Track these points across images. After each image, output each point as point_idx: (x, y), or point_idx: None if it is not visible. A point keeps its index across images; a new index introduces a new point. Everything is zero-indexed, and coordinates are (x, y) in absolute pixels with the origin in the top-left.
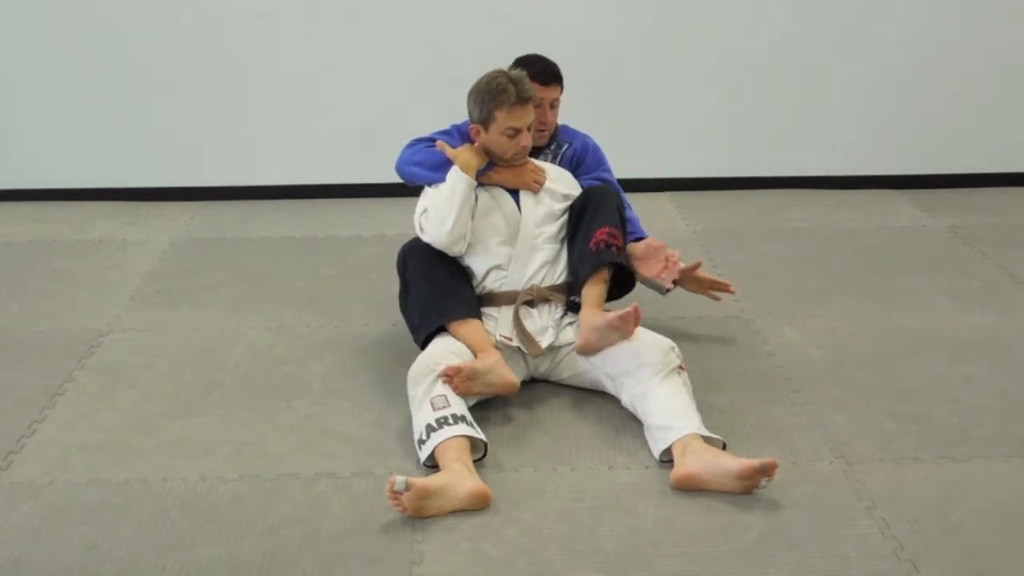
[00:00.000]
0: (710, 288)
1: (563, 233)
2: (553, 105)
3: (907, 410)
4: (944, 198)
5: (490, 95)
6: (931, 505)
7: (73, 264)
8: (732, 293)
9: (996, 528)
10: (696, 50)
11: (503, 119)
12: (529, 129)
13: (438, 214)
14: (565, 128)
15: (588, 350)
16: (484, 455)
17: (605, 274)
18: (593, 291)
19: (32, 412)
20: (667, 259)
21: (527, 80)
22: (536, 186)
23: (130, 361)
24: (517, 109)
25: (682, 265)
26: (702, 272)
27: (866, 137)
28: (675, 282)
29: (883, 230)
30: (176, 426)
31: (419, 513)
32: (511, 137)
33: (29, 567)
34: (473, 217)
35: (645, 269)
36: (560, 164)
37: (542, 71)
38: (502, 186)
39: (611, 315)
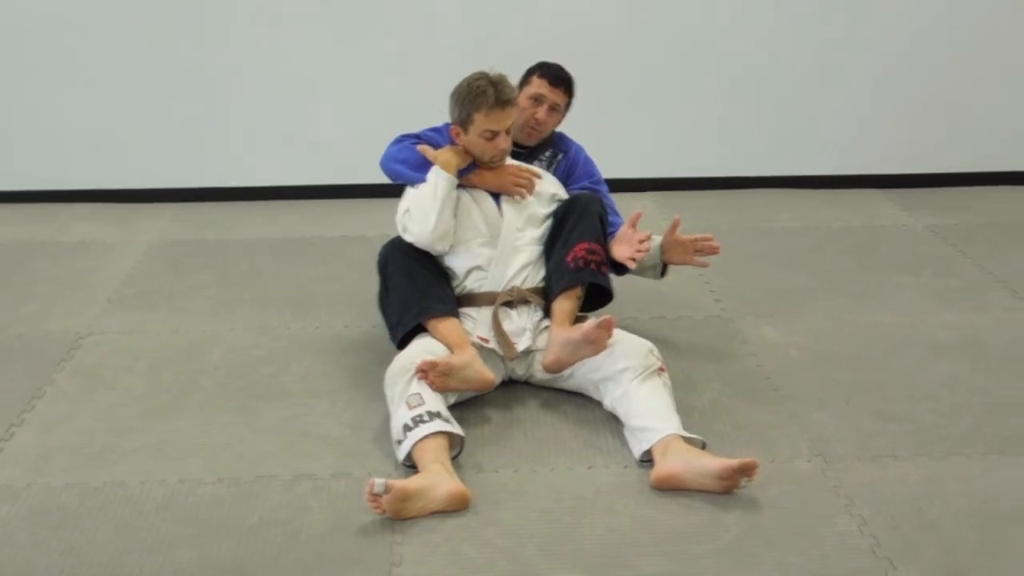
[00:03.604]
0: (695, 251)
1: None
2: (554, 108)
3: (886, 408)
4: (924, 198)
5: (469, 97)
6: (909, 503)
7: (52, 266)
8: (716, 252)
9: (973, 525)
10: (679, 51)
11: (481, 121)
12: (508, 132)
13: (421, 213)
14: (562, 136)
15: (559, 366)
16: (461, 450)
17: (579, 291)
18: (564, 306)
19: (10, 415)
20: (640, 242)
21: (507, 83)
22: (517, 191)
23: (109, 364)
24: (495, 112)
25: (656, 240)
26: (681, 233)
27: (847, 137)
28: (664, 263)
29: (863, 230)
30: (155, 429)
31: (398, 515)
32: (489, 140)
33: (6, 571)
34: (455, 216)
35: (618, 251)
36: (553, 173)
37: (554, 73)
38: (483, 188)
39: (585, 326)
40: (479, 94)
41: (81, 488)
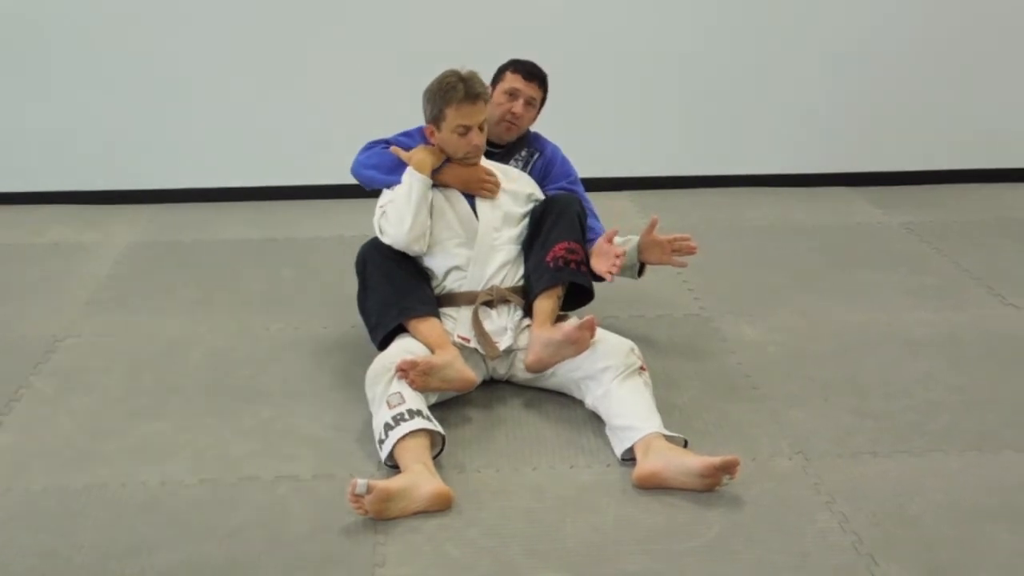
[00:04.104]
0: (672, 251)
1: (524, 235)
2: (530, 103)
3: (865, 405)
4: (898, 195)
5: (440, 93)
6: (889, 499)
7: (28, 269)
8: (694, 252)
9: (953, 521)
10: (654, 50)
11: (453, 116)
12: (482, 129)
13: (396, 214)
14: (537, 136)
15: (540, 366)
16: (442, 449)
17: (559, 290)
18: (545, 306)
19: None
20: (616, 256)
21: (478, 78)
22: (486, 192)
23: (88, 366)
24: (466, 106)
25: (634, 240)
26: (658, 233)
27: (821, 135)
28: (642, 263)
29: (839, 228)
30: (135, 431)
31: (381, 515)
32: (462, 135)
33: None
34: (431, 217)
35: (596, 264)
36: (530, 173)
37: (527, 68)
38: (452, 186)
39: (567, 327)
40: (449, 89)
41: (61, 491)
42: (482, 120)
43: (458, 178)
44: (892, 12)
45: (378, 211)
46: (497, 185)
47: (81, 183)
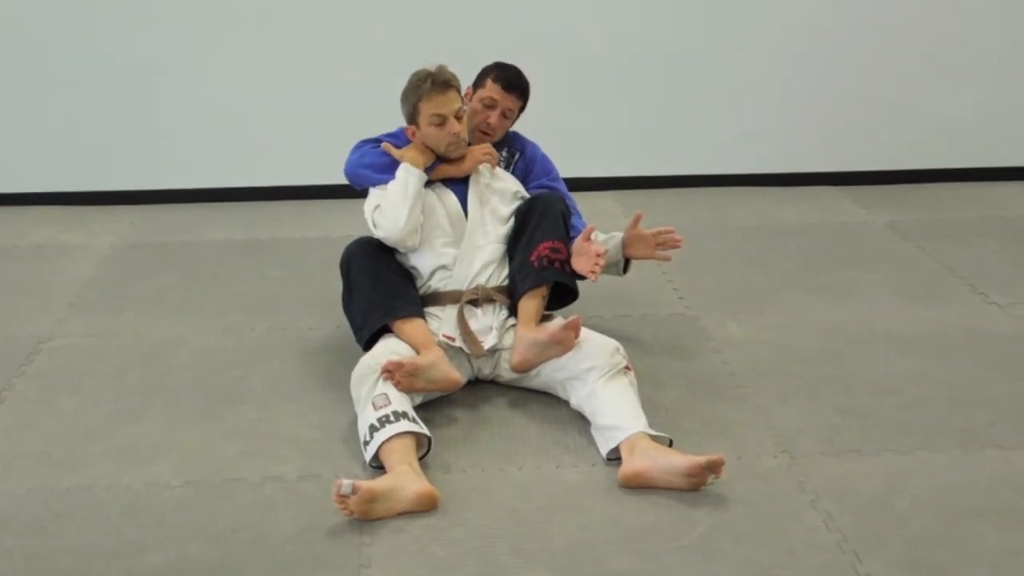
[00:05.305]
0: (657, 245)
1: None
2: (506, 115)
3: (850, 404)
4: (882, 194)
5: (411, 90)
6: (874, 497)
7: (11, 270)
8: (678, 245)
9: (938, 518)
10: (639, 49)
11: (426, 108)
12: (459, 118)
13: (391, 209)
14: (516, 135)
15: (526, 366)
16: (428, 450)
17: (544, 290)
18: (530, 306)
19: None
20: (597, 255)
21: (446, 70)
22: (487, 158)
23: (72, 367)
24: (436, 95)
25: (617, 236)
26: (642, 228)
27: (805, 134)
28: (626, 259)
29: (824, 227)
30: (120, 432)
31: (366, 516)
32: (439, 126)
33: None
34: (423, 213)
35: (577, 264)
36: (512, 172)
37: (508, 78)
38: (452, 178)
39: (552, 327)
40: (418, 84)
41: (46, 493)
42: (457, 108)
43: (454, 169)
44: (878, 11)
45: (370, 207)
46: (496, 158)
47: (64, 184)
